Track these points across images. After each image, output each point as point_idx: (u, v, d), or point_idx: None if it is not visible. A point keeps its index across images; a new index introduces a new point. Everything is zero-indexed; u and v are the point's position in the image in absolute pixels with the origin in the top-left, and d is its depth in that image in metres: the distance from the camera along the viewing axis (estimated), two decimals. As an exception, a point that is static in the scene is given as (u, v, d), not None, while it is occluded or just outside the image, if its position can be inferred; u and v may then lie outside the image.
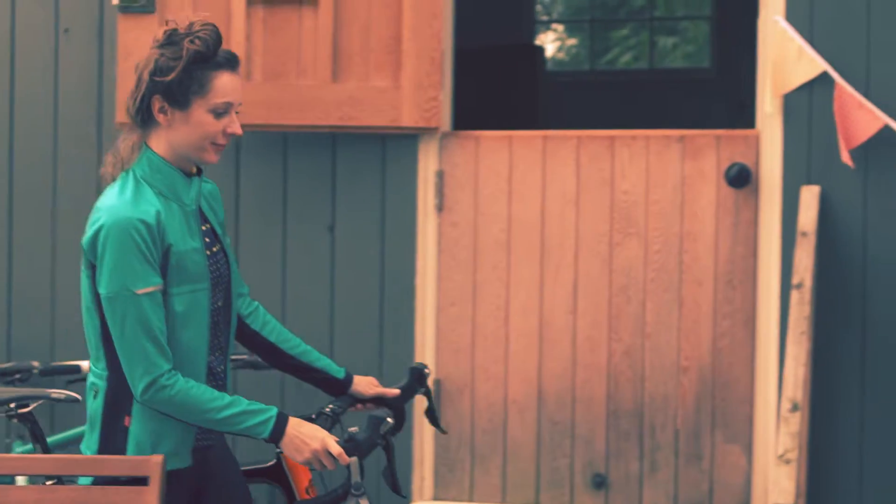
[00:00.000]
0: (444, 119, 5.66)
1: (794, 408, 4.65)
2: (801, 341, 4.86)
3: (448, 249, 5.67)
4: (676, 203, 5.50)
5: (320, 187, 5.72)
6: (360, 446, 3.37)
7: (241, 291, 3.67)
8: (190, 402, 3.30)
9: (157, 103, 3.36)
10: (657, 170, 5.52)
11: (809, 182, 5.34)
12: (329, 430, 3.47)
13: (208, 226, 3.49)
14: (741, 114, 9.15)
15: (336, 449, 3.34)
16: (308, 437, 3.34)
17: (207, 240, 3.46)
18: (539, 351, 5.59)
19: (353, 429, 3.41)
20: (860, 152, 5.27)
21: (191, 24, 3.36)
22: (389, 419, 3.48)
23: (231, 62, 3.38)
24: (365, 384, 3.77)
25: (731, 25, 10.89)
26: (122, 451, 3.36)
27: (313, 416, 3.55)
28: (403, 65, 5.53)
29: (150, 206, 3.31)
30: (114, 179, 3.39)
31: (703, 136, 5.52)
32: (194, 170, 3.47)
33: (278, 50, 5.55)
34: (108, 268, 3.27)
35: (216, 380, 3.49)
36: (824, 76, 5.30)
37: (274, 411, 3.35)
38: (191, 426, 3.39)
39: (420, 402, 5.36)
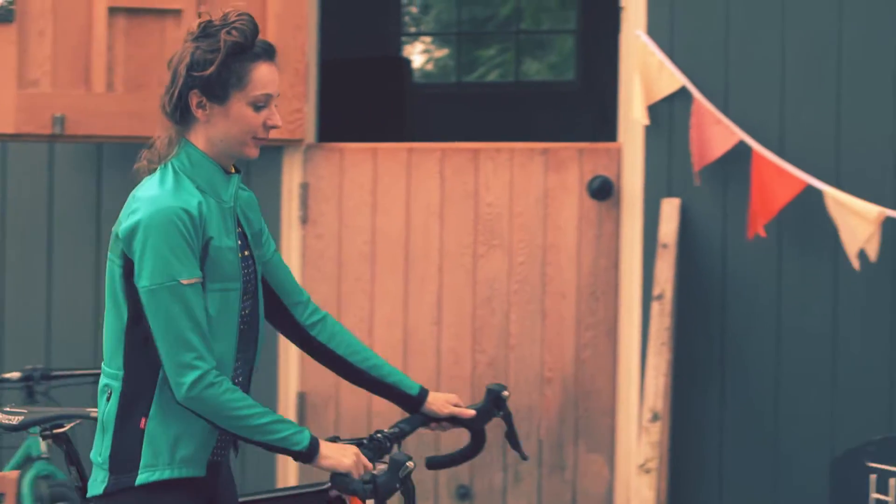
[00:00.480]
0: (309, 131, 5.65)
1: (655, 417, 4.71)
2: (662, 352, 4.93)
3: (312, 262, 5.66)
4: (540, 215, 5.54)
5: (184, 199, 5.67)
6: (379, 489, 3.13)
7: (299, 300, 3.46)
8: (233, 404, 3.10)
9: (194, 98, 3.18)
10: (521, 182, 5.56)
11: (670, 195, 5.41)
12: (373, 458, 3.25)
13: (241, 230, 3.30)
14: (605, 127, 9.25)
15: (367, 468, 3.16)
16: (347, 446, 3.18)
17: (240, 242, 3.27)
18: (404, 363, 5.59)
19: (381, 466, 3.19)
20: (719, 166, 5.35)
21: (226, 15, 3.18)
22: (410, 463, 3.18)
23: (268, 52, 3.21)
24: (440, 402, 3.52)
25: (595, 39, 10.99)
26: (137, 455, 3.15)
27: (364, 441, 3.34)
28: (267, 76, 5.50)
29: (192, 197, 3.14)
30: (150, 174, 3.21)
31: (566, 149, 5.58)
32: (232, 168, 3.28)
33: (141, 60, 5.49)
34: (150, 258, 3.08)
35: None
36: (684, 90, 5.38)
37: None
38: (211, 434, 3.20)
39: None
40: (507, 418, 3.54)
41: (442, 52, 13.87)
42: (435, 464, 3.47)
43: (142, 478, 3.13)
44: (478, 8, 12.79)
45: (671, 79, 5.37)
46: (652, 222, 5.38)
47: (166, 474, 3.14)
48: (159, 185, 3.16)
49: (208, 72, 3.14)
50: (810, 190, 5.16)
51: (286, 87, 5.52)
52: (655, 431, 4.69)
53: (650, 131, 5.45)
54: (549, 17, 12.97)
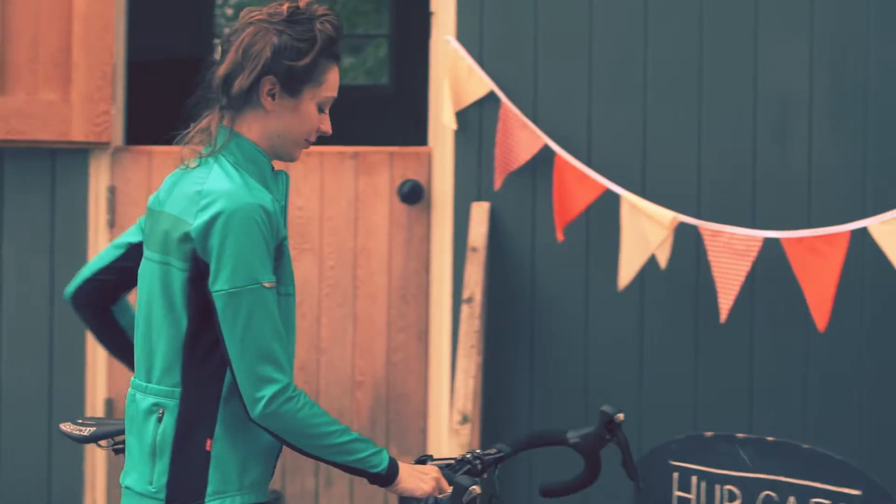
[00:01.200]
0: (116, 134, 5.57)
1: (464, 420, 4.74)
2: (472, 355, 4.96)
3: (121, 266, 5.57)
4: (350, 219, 5.54)
5: (-13, 203, 5.56)
6: None
7: None
8: (312, 421, 2.82)
9: (266, 85, 2.91)
10: (332, 186, 5.56)
11: (480, 198, 5.45)
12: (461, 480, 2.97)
13: None
14: (418, 131, 9.29)
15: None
16: (426, 469, 2.96)
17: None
18: (214, 368, 5.54)
19: (443, 494, 2.94)
20: (528, 170, 5.41)
21: (311, 5, 2.95)
22: (475, 488, 2.92)
23: (340, 56, 3.02)
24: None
25: (408, 44, 11.04)
26: (202, 481, 2.84)
27: (453, 462, 3.11)
28: (73, 78, 5.42)
29: (264, 194, 2.87)
30: (199, 164, 2.92)
31: (376, 153, 5.59)
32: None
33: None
34: (231, 258, 2.77)
35: None
36: (493, 95, 5.43)
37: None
38: (273, 454, 2.96)
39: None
40: (621, 444, 3.22)
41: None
42: (549, 491, 3.25)
43: None
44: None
45: (480, 83, 5.42)
46: (462, 226, 5.42)
47: (237, 501, 2.87)
48: (227, 178, 2.86)
49: (302, 62, 2.91)
50: (614, 196, 5.25)
51: (93, 89, 5.43)
52: (465, 433, 4.72)
53: (460, 136, 5.49)
54: (363, 20, 12.99)
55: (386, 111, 10.90)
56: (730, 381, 5.44)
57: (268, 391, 2.77)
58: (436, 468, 2.97)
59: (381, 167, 5.55)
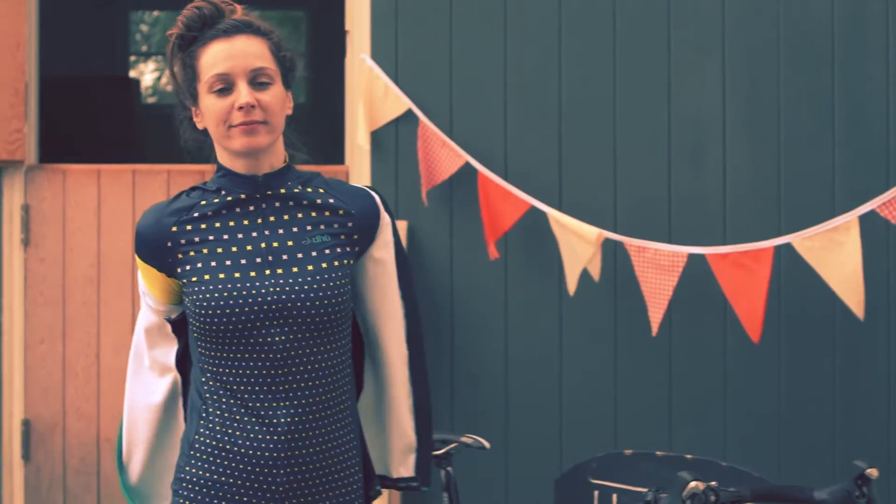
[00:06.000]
0: (30, 152, 5.51)
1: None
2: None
3: (35, 285, 5.51)
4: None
5: None
6: None
7: None
8: None
9: (194, 112, 2.86)
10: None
11: (398, 217, 5.44)
12: None
13: None
14: (337, 150, 9.27)
15: None
16: None
17: None
18: (130, 388, 5.49)
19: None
20: (446, 187, 5.41)
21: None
22: (699, 483, 2.75)
23: (226, 30, 2.79)
24: None
25: (324, 62, 11.03)
26: None
27: (648, 500, 3.03)
28: (-15, 96, 5.36)
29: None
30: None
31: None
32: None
33: None
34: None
35: None
36: (411, 114, 5.42)
37: None
38: None
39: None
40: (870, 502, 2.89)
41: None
42: None
43: None
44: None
45: (397, 102, 5.42)
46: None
47: None
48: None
49: (177, 73, 2.84)
50: (535, 212, 5.26)
51: (6, 106, 5.38)
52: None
53: (377, 154, 5.48)
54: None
55: (303, 129, 10.87)
56: (650, 397, 5.46)
57: None
58: None
59: (299, 185, 5.52)
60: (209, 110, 2.81)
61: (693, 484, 2.72)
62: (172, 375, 2.95)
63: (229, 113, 2.79)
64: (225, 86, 2.78)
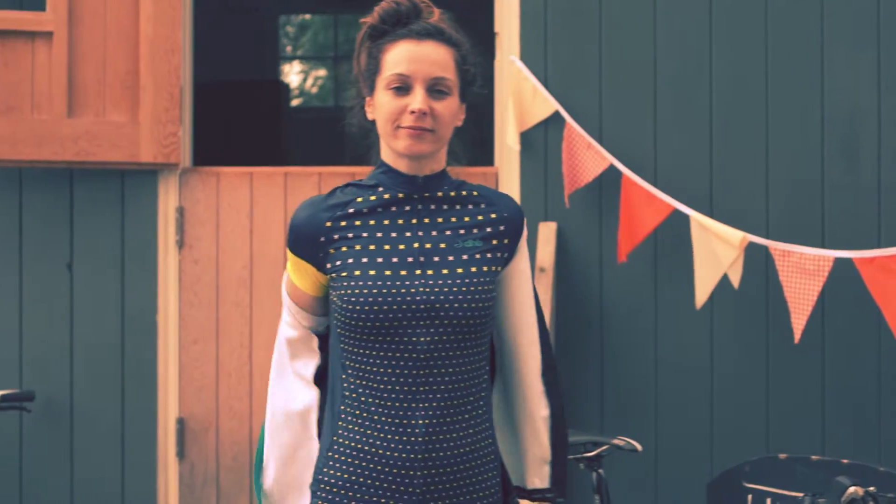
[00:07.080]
0: (184, 155, 5.60)
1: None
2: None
3: (190, 286, 5.60)
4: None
5: (58, 224, 5.60)
6: None
7: None
8: None
9: (367, 102, 2.91)
10: (398, 206, 5.55)
11: (547, 218, 5.44)
12: None
13: None
14: (482, 151, 9.30)
15: None
16: None
17: None
18: (282, 388, 5.55)
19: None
20: (594, 190, 5.39)
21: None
22: (858, 489, 2.73)
23: (419, 32, 2.84)
24: None
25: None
26: None
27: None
28: (141, 100, 5.45)
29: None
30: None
31: (443, 173, 5.57)
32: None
33: (11, 83, 5.41)
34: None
35: None
36: (558, 115, 5.41)
37: None
38: None
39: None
40: None
41: (319, 73, 13.83)
42: None
43: None
44: (355, 29, 12.80)
45: (545, 104, 5.41)
46: (530, 246, 5.40)
47: None
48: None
49: (356, 67, 2.90)
50: (682, 216, 5.22)
51: (161, 111, 5.47)
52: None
53: (526, 155, 5.48)
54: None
55: (468, 141, 10.90)
56: (802, 401, 5.39)
57: None
58: None
59: (448, 187, 5.54)
60: (383, 106, 2.83)
61: (852, 489, 2.65)
62: (312, 389, 2.98)
63: (401, 113, 2.81)
64: (403, 86, 2.82)
